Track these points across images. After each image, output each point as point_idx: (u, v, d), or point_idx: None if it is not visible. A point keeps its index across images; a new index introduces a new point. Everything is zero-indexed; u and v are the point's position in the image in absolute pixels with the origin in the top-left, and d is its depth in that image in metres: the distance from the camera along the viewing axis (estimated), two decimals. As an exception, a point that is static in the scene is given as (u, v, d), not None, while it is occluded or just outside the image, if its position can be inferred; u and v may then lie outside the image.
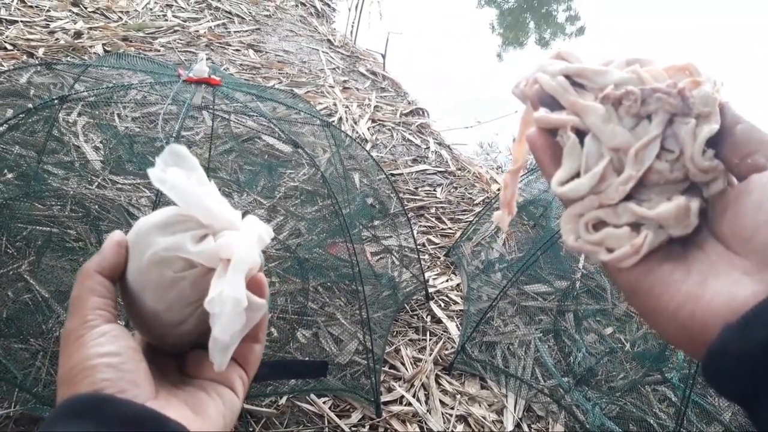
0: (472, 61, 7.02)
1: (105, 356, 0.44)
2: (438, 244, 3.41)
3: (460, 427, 2.20)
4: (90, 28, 4.85)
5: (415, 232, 3.47)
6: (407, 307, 2.81)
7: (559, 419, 2.29)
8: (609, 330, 2.92)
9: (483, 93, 6.33)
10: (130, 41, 4.85)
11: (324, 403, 2.20)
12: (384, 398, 2.25)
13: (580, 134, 0.45)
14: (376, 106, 4.91)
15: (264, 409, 2.08)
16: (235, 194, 3.32)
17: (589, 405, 2.35)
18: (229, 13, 6.19)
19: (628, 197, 0.43)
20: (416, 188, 3.91)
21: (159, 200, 1.95)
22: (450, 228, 3.58)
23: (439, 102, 5.59)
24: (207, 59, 4.64)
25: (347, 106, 4.75)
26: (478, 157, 5.35)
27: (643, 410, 2.37)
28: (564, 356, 2.69)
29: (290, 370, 2.23)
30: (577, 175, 0.44)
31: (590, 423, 2.27)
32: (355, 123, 4.55)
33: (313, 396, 2.22)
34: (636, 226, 0.43)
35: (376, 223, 3.49)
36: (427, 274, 3.06)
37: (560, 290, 3.14)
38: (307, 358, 2.36)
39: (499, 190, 4.25)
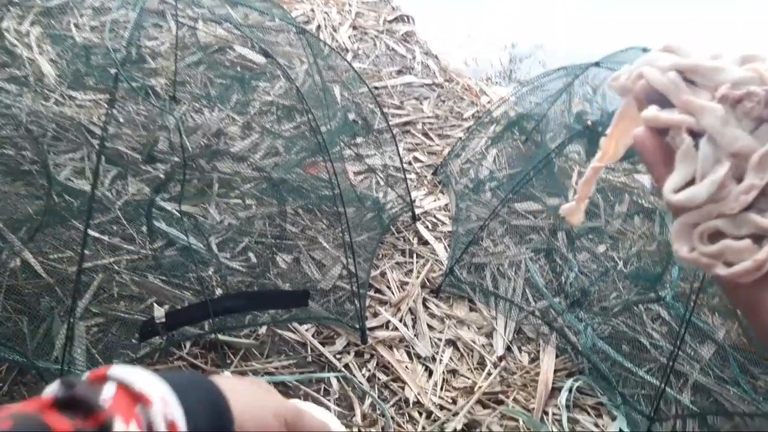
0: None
1: None
2: (425, 162, 3.23)
3: (448, 351, 2.12)
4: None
5: (400, 149, 3.28)
6: (393, 229, 2.67)
7: (550, 341, 2.21)
8: (602, 248, 2.82)
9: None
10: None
11: (306, 330, 2.10)
12: (369, 324, 2.15)
13: (694, 136, 0.42)
14: (357, 13, 4.56)
15: (243, 340, 1.98)
16: (206, 110, 3.08)
17: (581, 326, 2.28)
18: None
19: (749, 207, 0.41)
20: (402, 102, 3.68)
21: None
22: (438, 145, 3.39)
23: (425, 8, 5.21)
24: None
25: (326, 12, 4.40)
26: (468, 67, 5.07)
27: (636, 330, 2.31)
28: (555, 276, 2.60)
29: (270, 301, 2.12)
30: (692, 181, 0.42)
31: (582, 344, 2.21)
32: (335, 31, 4.22)
33: (295, 324, 2.11)
34: (757, 239, 0.40)
35: (358, 140, 3.29)
36: (413, 194, 2.90)
37: (552, 208, 3.01)
38: (287, 286, 2.24)
39: (488, 102, 4.03)
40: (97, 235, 2.19)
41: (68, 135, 2.81)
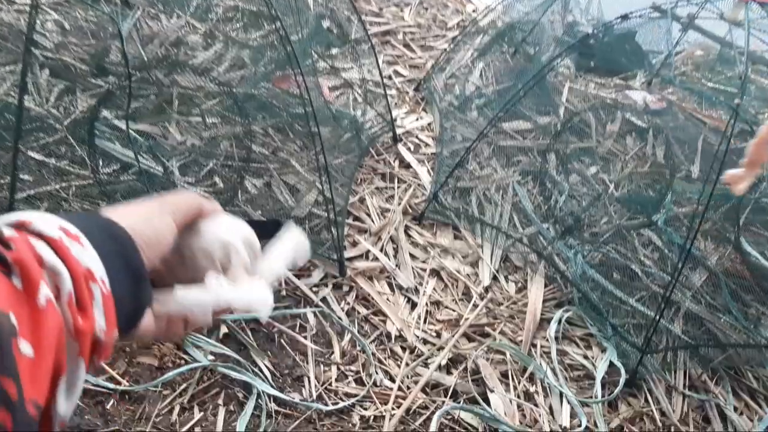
0: None
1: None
2: (406, 76, 2.98)
3: (432, 282, 1.99)
4: None
5: (379, 62, 3.02)
6: (372, 151, 2.47)
7: (539, 270, 2.10)
8: (593, 170, 2.67)
9: None
10: None
11: (280, 261, 1.94)
12: (348, 254, 2.00)
13: None
14: None
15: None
16: (163, 17, 2.76)
17: (571, 253, 2.16)
18: None
19: None
20: (381, 9, 3.36)
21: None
22: (420, 57, 3.12)
23: None
24: None
25: None
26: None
27: (628, 257, 2.20)
28: (545, 201, 2.46)
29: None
30: None
31: (572, 273, 2.10)
32: (307, -72, 3.80)
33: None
34: None
35: (334, 51, 3.01)
36: (394, 113, 2.67)
37: (542, 127, 2.82)
38: (258, 213, 2.06)
39: (474, 11, 3.73)
40: (40, 158, 1.96)
41: (7, 45, 2.49)
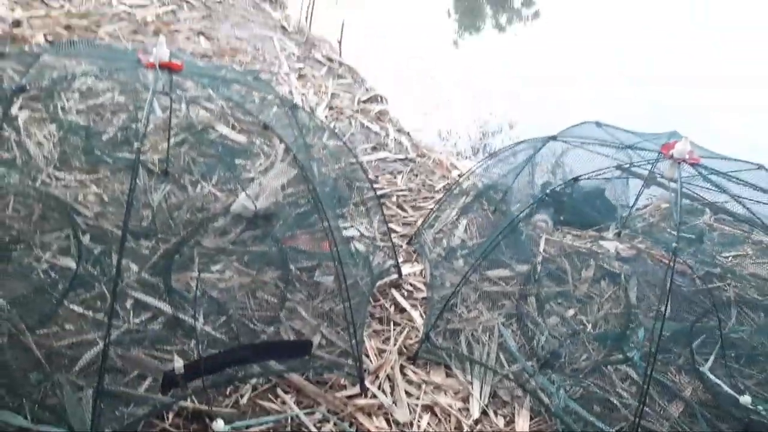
0: (429, 47, 6.96)
1: None
2: (400, 232, 3.37)
3: (426, 417, 2.18)
4: (30, 17, 4.60)
5: (377, 221, 3.42)
6: (370, 298, 2.77)
7: (525, 404, 2.29)
8: (571, 312, 2.93)
9: (440, 79, 6.29)
10: (73, 29, 4.62)
11: (290, 398, 2.15)
12: (348, 392, 2.20)
13: None
14: (333, 94, 4.82)
15: (224, 410, 2.01)
16: (189, 186, 3.21)
17: (554, 388, 2.36)
18: (179, -1, 5.98)
19: None
20: (377, 176, 3.86)
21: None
22: (411, 216, 3.54)
23: (397, 88, 5.51)
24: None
25: (303, 94, 4.65)
26: (438, 143, 5.31)
27: (606, 390, 2.40)
28: (527, 340, 2.70)
29: (274, 350, 2.20)
30: None
31: (555, 405, 2.28)
32: (312, 111, 4.45)
33: (279, 391, 2.16)
34: None
35: (339, 212, 3.43)
36: (390, 263, 3.01)
37: (522, 274, 3.14)
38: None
39: (459, 176, 4.24)
40: (81, 310, 2.25)
41: (54, 215, 2.90)
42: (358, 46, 6.13)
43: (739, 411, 2.26)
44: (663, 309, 2.04)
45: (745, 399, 2.24)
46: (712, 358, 2.66)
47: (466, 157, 5.18)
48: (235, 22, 5.87)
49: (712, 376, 2.44)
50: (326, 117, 4.44)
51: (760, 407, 2.25)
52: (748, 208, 2.44)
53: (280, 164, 3.33)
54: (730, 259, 3.57)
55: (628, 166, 2.84)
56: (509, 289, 3.02)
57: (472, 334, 2.65)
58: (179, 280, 2.61)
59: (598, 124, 3.05)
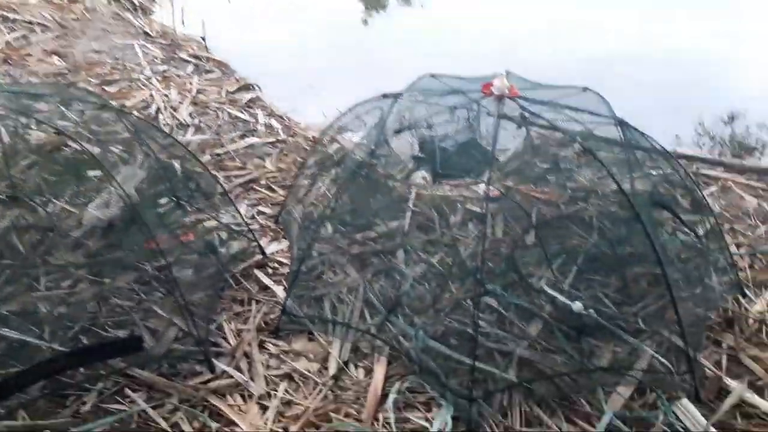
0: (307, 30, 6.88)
1: None
2: (268, 213, 3.33)
3: (283, 384, 2.16)
4: None
5: (245, 206, 3.37)
6: (232, 281, 2.72)
7: (385, 352, 2.30)
8: (437, 257, 2.96)
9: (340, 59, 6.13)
10: None
11: (138, 396, 2.09)
12: (202, 378, 2.16)
13: None
14: (199, 90, 4.70)
15: (61, 420, 1.94)
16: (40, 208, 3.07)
17: (413, 331, 2.38)
18: (30, 22, 5.69)
19: None
20: (245, 163, 3.79)
21: None
22: (282, 196, 3.49)
23: (272, 73, 5.40)
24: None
25: (165, 95, 4.51)
26: (320, 121, 5.19)
27: (465, 323, 2.44)
28: (394, 292, 2.71)
29: (95, 354, 2.11)
30: None
31: (414, 348, 2.30)
32: (175, 110, 4.33)
33: (127, 390, 2.09)
34: None
35: (200, 205, 3.35)
36: (254, 245, 2.97)
37: (391, 231, 3.16)
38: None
39: (340, 149, 4.22)
40: None
41: None
42: (233, 38, 6.01)
43: (575, 318, 2.35)
44: (483, 237, 2.07)
45: (577, 305, 2.33)
46: (571, 275, 2.75)
47: (351, 130, 5.12)
48: (94, 36, 5.65)
49: (548, 289, 2.52)
50: (190, 114, 4.33)
51: (591, 311, 2.34)
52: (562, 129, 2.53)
53: (128, 169, 3.22)
54: (595, 180, 3.70)
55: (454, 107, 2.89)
56: (378, 247, 3.04)
57: (337, 297, 2.64)
58: (24, 302, 2.50)
59: (433, 76, 3.08)
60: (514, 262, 2.76)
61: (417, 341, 2.33)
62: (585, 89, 2.94)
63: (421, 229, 3.20)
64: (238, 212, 3.08)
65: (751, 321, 2.50)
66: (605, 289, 2.72)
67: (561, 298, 2.44)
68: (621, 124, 2.70)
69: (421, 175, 3.95)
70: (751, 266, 2.86)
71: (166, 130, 4.08)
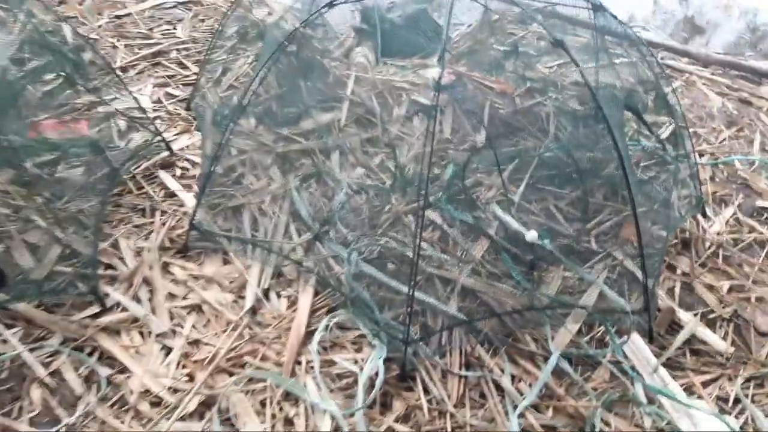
0: None
1: None
2: (178, 96, 2.81)
3: (191, 319, 1.85)
4: None
5: (150, 86, 2.82)
6: (132, 185, 2.29)
7: (312, 279, 2.00)
8: (378, 159, 2.61)
9: None
10: None
11: (13, 334, 1.74)
12: (92, 311, 1.82)
13: None
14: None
15: None
16: None
17: (346, 252, 2.08)
18: None
19: None
20: (151, 29, 3.16)
21: None
22: (195, 74, 2.95)
23: None
24: None
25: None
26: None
27: (404, 243, 2.15)
28: (326, 202, 2.37)
29: None
30: None
31: (346, 273, 2.02)
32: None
33: (-1, 329, 1.74)
34: None
35: (96, 83, 2.78)
36: (165, 135, 2.50)
37: (324, 125, 2.73)
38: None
39: (270, 14, 3.60)
40: None
41: None
42: None
43: (527, 247, 2.10)
44: (431, 138, 1.72)
45: (531, 235, 2.07)
46: (523, 185, 2.47)
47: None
48: None
49: (500, 214, 2.24)
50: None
51: (546, 241, 2.09)
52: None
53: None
54: (554, 68, 3.32)
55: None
56: (310, 144, 2.62)
57: (259, 208, 2.27)
58: None
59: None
60: (462, 171, 2.43)
61: (349, 265, 2.03)
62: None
63: (360, 123, 2.78)
64: (136, 100, 2.54)
65: (708, 244, 2.33)
66: (559, 201, 2.47)
67: (514, 224, 2.16)
68: (595, 8, 2.29)
69: (362, 53, 3.45)
70: (712, 178, 2.66)
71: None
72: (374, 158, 2.60)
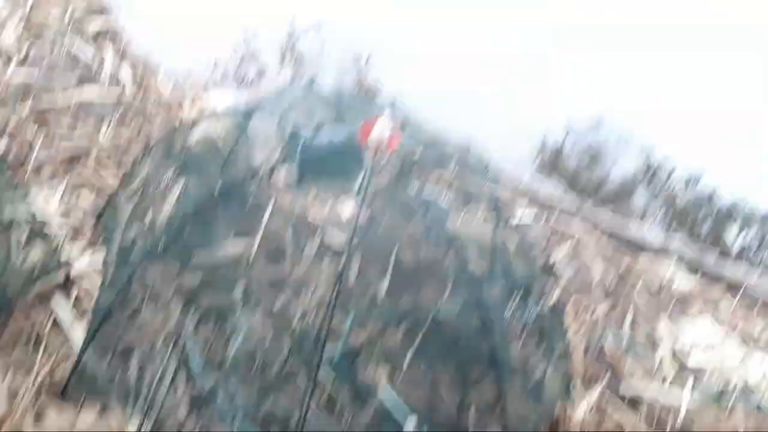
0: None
1: None
2: (89, 207, 2.77)
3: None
4: None
5: (63, 188, 2.77)
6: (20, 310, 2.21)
7: (191, 441, 2.00)
8: (282, 300, 2.67)
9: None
10: None
11: None
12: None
13: None
14: (34, 5, 3.80)
15: None
16: None
17: (231, 413, 2.10)
18: None
19: None
20: (74, 126, 3.13)
21: None
22: (114, 178, 2.93)
23: None
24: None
25: (-12, 4, 3.59)
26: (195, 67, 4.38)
27: (292, 406, 2.20)
28: (223, 346, 2.38)
29: None
30: None
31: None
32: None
33: None
34: None
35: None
36: (68, 249, 2.45)
37: (236, 257, 2.76)
38: None
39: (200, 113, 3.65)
40: None
41: None
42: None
43: None
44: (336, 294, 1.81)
45: (410, 424, 2.19)
46: (411, 353, 2.59)
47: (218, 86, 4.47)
48: None
49: (384, 397, 2.33)
50: (18, 38, 3.49)
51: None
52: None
53: None
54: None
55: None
56: (216, 276, 2.65)
57: (150, 349, 2.26)
58: None
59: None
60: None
61: (233, 428, 2.05)
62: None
63: (270, 258, 2.84)
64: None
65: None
66: (444, 371, 2.61)
67: (394, 413, 2.26)
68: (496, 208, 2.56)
69: (284, 170, 3.55)
70: (585, 353, 2.91)
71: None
72: (278, 298, 2.66)
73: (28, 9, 3.71)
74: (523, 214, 3.82)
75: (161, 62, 3.97)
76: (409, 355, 2.55)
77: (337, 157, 3.87)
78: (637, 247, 3.87)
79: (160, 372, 2.19)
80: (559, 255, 3.49)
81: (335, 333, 2.56)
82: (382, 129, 2.22)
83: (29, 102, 3.10)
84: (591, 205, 4.36)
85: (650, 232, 4.17)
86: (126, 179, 2.83)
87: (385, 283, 2.92)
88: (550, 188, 4.42)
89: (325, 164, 3.71)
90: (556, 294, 3.12)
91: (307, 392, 1.90)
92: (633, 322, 3.18)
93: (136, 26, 4.18)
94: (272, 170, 3.54)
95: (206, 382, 2.20)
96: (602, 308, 3.22)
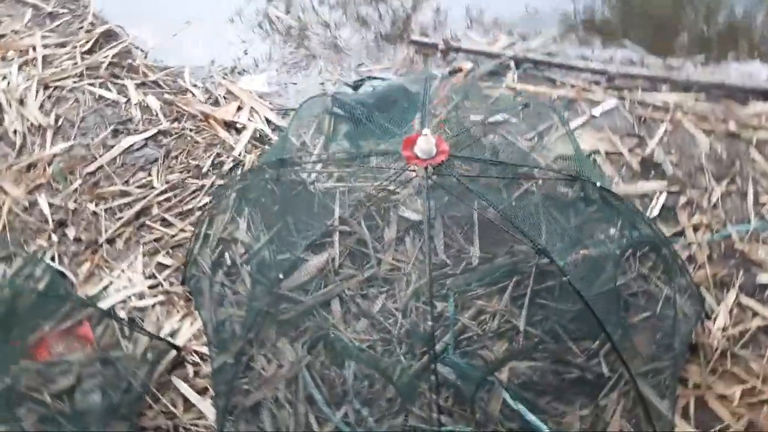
0: None
1: None
2: (171, 266, 2.78)
3: None
4: None
5: (140, 258, 2.79)
6: (148, 399, 2.32)
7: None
8: (379, 303, 2.59)
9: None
10: None
11: None
12: None
13: None
14: (45, 58, 3.69)
15: None
16: None
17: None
18: None
19: None
20: (126, 181, 3.08)
21: None
22: (182, 230, 2.88)
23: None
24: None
25: (4, 76, 3.53)
26: (212, 66, 4.02)
27: (424, 419, 2.20)
28: (338, 375, 2.36)
29: None
30: None
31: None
32: (22, 105, 3.42)
33: None
34: None
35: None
36: (166, 326, 2.52)
37: (319, 269, 2.69)
38: None
39: (241, 126, 3.47)
40: None
41: None
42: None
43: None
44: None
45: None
46: (524, 314, 2.48)
47: (246, 72, 3.94)
48: None
49: (512, 404, 2.23)
50: (42, 106, 3.44)
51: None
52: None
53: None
54: (534, 138, 3.22)
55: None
56: (311, 300, 2.60)
57: (275, 399, 2.32)
58: None
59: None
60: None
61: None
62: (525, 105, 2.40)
63: (354, 258, 2.74)
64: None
65: (715, 344, 2.37)
66: (563, 318, 2.49)
67: (530, 417, 2.18)
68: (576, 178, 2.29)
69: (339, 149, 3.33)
70: (709, 258, 2.65)
71: (17, 143, 3.25)
72: (375, 302, 2.60)
73: (41, 69, 3.61)
74: (603, 102, 3.40)
75: (184, 66, 3.76)
76: (524, 312, 2.44)
77: (385, 106, 3.59)
78: (743, 96, 3.33)
79: (292, 419, 2.26)
80: (653, 143, 3.11)
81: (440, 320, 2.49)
82: (427, 144, 2.00)
83: (77, 173, 3.09)
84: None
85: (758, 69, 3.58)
86: (197, 232, 2.76)
87: (476, 245, 2.75)
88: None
89: (378, 109, 3.41)
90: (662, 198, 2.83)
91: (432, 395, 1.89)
92: (755, 198, 2.82)
93: (142, 32, 3.98)
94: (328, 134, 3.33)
95: (335, 413, 2.24)
96: (717, 193, 2.88)
